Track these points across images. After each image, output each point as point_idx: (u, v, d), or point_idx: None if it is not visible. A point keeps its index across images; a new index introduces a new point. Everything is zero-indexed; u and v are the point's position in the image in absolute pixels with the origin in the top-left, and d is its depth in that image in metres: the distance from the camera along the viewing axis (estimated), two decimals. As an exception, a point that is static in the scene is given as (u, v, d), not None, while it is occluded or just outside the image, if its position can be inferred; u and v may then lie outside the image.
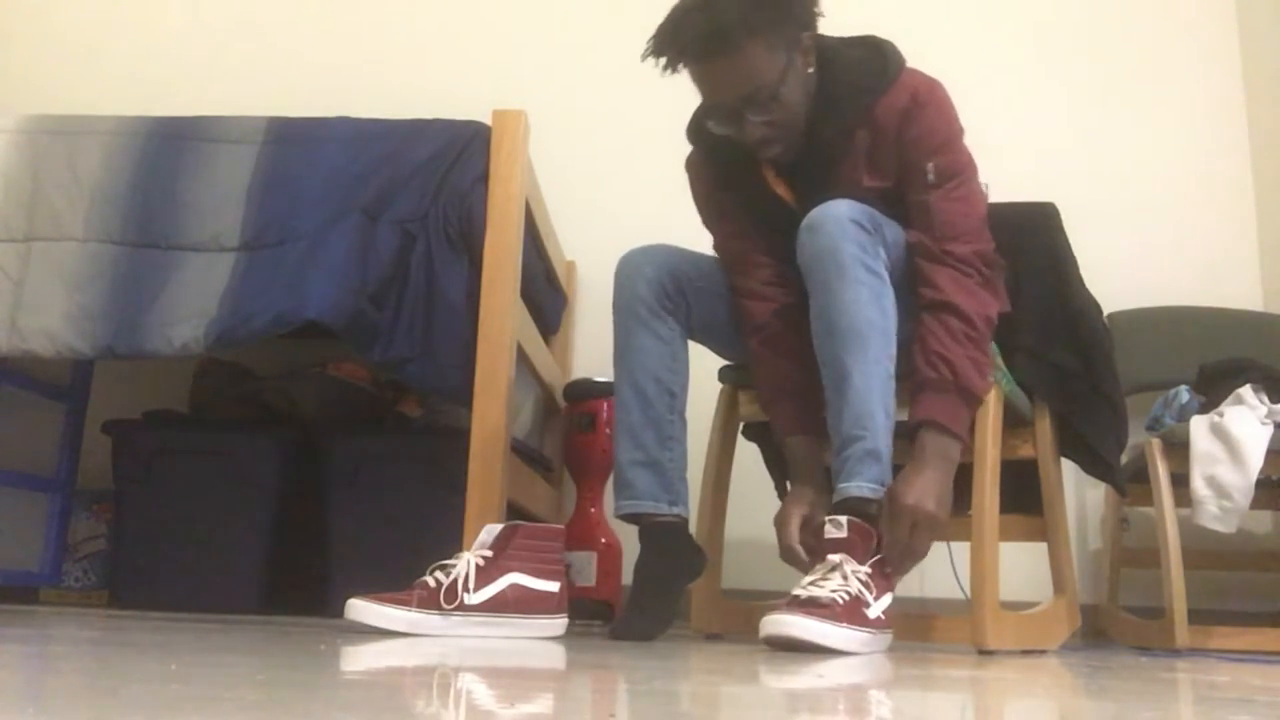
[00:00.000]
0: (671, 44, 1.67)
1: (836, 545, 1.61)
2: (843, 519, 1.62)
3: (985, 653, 1.72)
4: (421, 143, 2.07)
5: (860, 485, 1.63)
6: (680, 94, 1.81)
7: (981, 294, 1.74)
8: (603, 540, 2.55)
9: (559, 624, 1.75)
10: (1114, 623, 2.56)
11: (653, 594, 1.79)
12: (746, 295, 1.89)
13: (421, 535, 2.16)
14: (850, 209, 1.67)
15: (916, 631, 1.86)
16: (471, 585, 1.65)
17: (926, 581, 2.45)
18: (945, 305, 1.71)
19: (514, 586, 1.68)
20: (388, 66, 3.10)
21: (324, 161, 2.07)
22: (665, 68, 1.70)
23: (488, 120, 2.06)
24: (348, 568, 2.26)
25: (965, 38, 3.07)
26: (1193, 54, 3.06)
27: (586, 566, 2.52)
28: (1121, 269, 2.79)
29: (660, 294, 1.85)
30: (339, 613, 1.63)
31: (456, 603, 1.63)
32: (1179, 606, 2.18)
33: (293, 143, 2.10)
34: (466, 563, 1.67)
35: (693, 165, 1.94)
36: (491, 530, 1.72)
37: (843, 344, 1.66)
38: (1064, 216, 2.03)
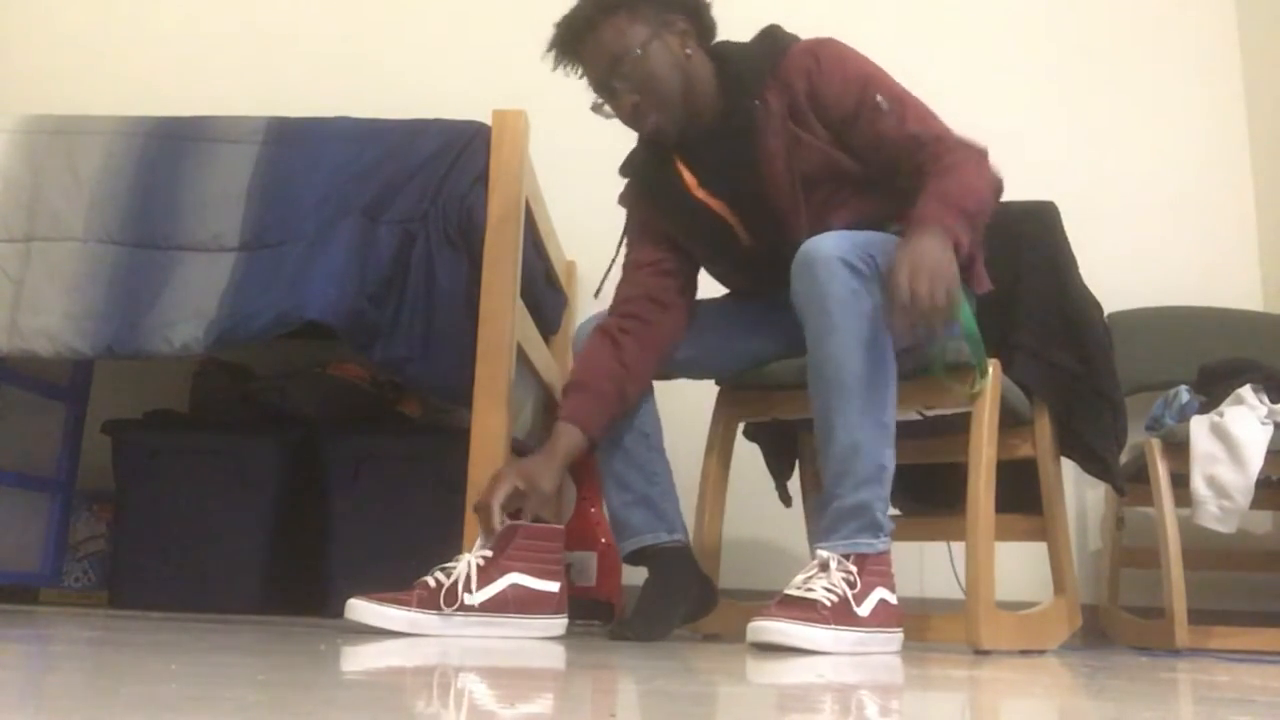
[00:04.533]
0: (559, 45, 1.82)
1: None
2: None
3: (981, 653, 1.73)
4: (421, 143, 2.07)
5: (834, 544, 1.62)
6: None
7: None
8: (603, 540, 2.55)
9: (559, 624, 1.75)
10: (1114, 623, 2.56)
11: (657, 601, 1.81)
12: (630, 299, 1.86)
13: (421, 535, 2.16)
14: (838, 245, 1.61)
15: (912, 631, 1.85)
16: (472, 585, 1.65)
17: (926, 581, 2.45)
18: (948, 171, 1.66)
19: (514, 587, 1.68)
20: (387, 66, 3.10)
21: (324, 161, 2.06)
22: (559, 66, 1.82)
23: (488, 120, 2.06)
24: (348, 568, 2.26)
25: (965, 38, 3.07)
26: (1193, 54, 3.06)
27: (586, 566, 2.52)
28: (1121, 269, 2.79)
29: None
30: (339, 613, 1.63)
31: (457, 603, 1.63)
32: (1179, 606, 2.18)
33: (293, 143, 2.10)
34: (467, 563, 1.66)
35: (626, 197, 1.94)
36: (492, 530, 1.72)
37: (827, 396, 1.63)
38: (1064, 216, 2.03)
